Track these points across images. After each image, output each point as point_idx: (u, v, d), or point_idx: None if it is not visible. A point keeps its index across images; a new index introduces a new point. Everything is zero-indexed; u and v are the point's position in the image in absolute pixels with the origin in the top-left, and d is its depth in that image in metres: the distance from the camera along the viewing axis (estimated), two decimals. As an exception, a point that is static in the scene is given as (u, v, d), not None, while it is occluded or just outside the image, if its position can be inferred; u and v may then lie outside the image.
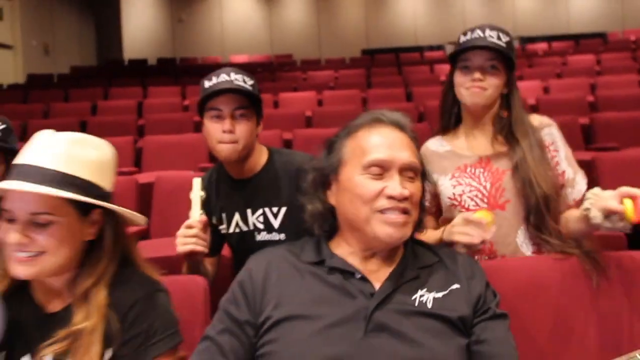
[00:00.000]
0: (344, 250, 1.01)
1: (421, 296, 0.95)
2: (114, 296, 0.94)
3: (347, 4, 11.21)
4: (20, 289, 0.96)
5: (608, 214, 1.13)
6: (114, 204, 0.97)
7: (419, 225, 1.03)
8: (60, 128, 1.20)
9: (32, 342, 0.92)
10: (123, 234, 1.00)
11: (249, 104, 1.39)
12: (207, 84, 1.40)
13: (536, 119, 1.45)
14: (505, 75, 1.40)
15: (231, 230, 1.47)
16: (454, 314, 0.94)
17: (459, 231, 1.18)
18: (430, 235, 1.27)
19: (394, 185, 0.95)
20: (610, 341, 1.15)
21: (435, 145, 1.48)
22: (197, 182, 1.33)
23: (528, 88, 4.83)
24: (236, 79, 1.37)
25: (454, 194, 1.41)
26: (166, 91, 5.93)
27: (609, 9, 10.65)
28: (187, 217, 1.30)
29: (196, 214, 1.30)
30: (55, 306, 0.96)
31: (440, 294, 0.96)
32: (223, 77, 1.38)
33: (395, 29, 11.21)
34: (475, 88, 1.37)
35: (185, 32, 10.97)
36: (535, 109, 3.97)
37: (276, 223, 1.45)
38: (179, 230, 1.28)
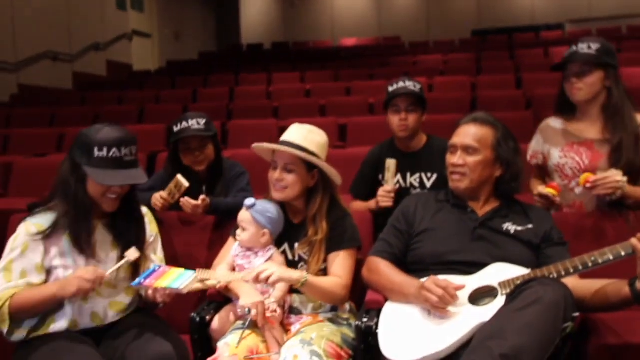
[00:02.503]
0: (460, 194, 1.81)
1: (508, 226, 1.72)
2: (328, 219, 1.81)
3: (458, -19, 11.41)
4: (282, 210, 1.86)
5: None
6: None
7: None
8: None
9: (287, 238, 1.84)
10: (330, 185, 1.87)
11: (417, 101, 2.34)
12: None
13: (639, 116, 2.05)
14: (601, 74, 2.02)
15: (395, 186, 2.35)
16: (526, 239, 1.69)
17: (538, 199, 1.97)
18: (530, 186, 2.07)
19: (454, 158, 1.74)
20: None
21: (554, 122, 2.19)
22: (393, 163, 2.26)
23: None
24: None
25: (559, 163, 2.12)
26: (288, 77, 6.93)
27: None
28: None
29: (392, 184, 2.24)
30: (296, 220, 1.87)
31: (520, 228, 1.72)
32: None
33: (510, 5, 11.18)
34: (574, 90, 2.07)
35: (297, 17, 12.04)
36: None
37: (428, 184, 2.37)
38: (380, 192, 2.26)
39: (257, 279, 1.58)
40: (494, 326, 1.34)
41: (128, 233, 1.68)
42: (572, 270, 1.47)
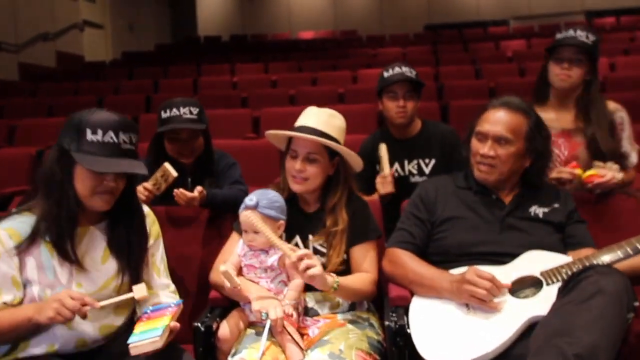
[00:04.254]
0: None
1: (535, 210, 1.56)
2: (347, 209, 1.58)
3: (409, -22, 11.40)
4: (292, 198, 1.63)
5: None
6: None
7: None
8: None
9: (299, 229, 1.59)
10: (350, 173, 1.64)
11: (414, 87, 2.14)
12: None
13: (611, 104, 1.97)
14: (588, 66, 1.93)
15: (391, 170, 2.14)
16: (556, 220, 1.54)
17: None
18: None
19: (484, 148, 1.53)
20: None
21: None
22: (384, 147, 2.06)
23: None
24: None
25: None
26: (251, 68, 6.60)
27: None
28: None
29: (387, 169, 2.04)
30: (311, 209, 1.63)
31: (547, 209, 1.57)
32: None
33: (457, 3, 11.31)
34: (563, 75, 1.92)
35: (254, 9, 11.62)
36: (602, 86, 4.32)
37: (427, 170, 2.19)
38: (378, 179, 2.07)
39: (299, 260, 1.32)
40: (557, 322, 1.16)
41: (126, 240, 1.36)
42: (622, 256, 1.33)
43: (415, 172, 2.21)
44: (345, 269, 1.55)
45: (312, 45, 8.85)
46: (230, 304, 1.56)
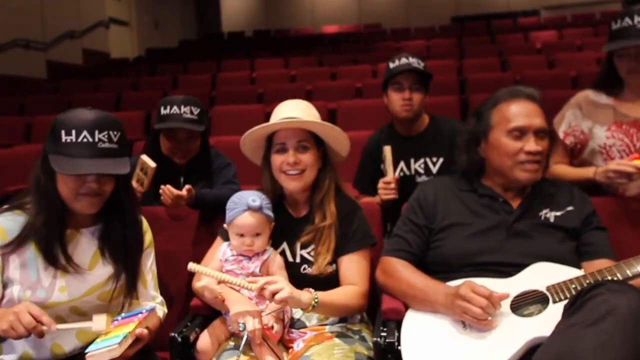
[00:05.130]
0: (490, 184, 1.47)
1: (546, 213, 1.40)
2: (336, 204, 1.45)
3: (436, -32, 11.11)
4: (277, 202, 1.51)
5: None
6: None
7: (544, 169, 1.47)
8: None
9: (286, 235, 1.47)
10: (334, 166, 1.51)
11: (421, 80, 1.97)
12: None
13: None
14: None
15: (395, 174, 1.99)
16: (570, 226, 1.38)
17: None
18: (570, 171, 1.69)
19: (531, 144, 1.36)
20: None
21: (595, 96, 1.78)
22: (388, 149, 1.88)
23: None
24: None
25: (605, 144, 1.73)
26: (271, 63, 6.52)
27: None
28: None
29: (391, 173, 1.88)
30: (299, 213, 1.50)
31: (559, 213, 1.40)
32: None
33: (487, -7, 10.95)
34: (633, 64, 1.64)
35: (277, 4, 11.54)
36: None
37: (434, 169, 2.01)
38: (380, 184, 1.90)
39: (260, 292, 1.22)
40: (558, 347, 1.01)
41: (122, 242, 1.30)
42: (640, 270, 1.16)
43: (422, 171, 2.04)
44: (334, 276, 1.43)
45: (334, 39, 8.71)
46: (212, 312, 1.46)
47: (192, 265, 1.27)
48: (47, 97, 5.34)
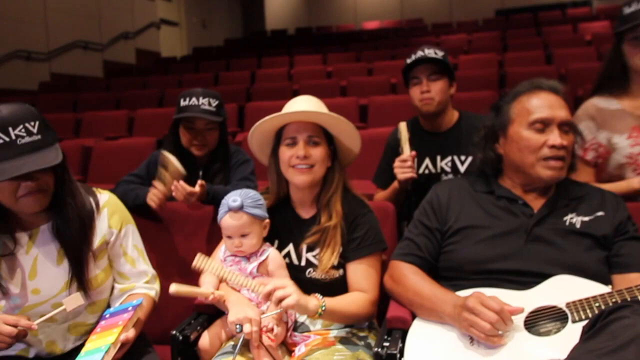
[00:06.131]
0: (508, 184, 1.32)
1: (571, 218, 1.24)
2: (343, 205, 1.36)
3: (481, -39, 10.64)
4: (284, 202, 1.43)
5: None
6: None
7: (571, 168, 1.30)
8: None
9: (293, 236, 1.39)
10: (343, 166, 1.41)
11: (440, 69, 1.81)
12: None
13: None
14: None
15: (420, 172, 1.86)
16: (599, 233, 1.21)
17: None
18: (608, 187, 1.43)
19: (555, 137, 1.21)
20: None
21: (603, 103, 1.62)
22: (403, 126, 1.73)
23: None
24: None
25: (631, 154, 1.56)
26: (310, 59, 6.45)
27: None
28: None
29: (407, 150, 1.72)
30: (306, 214, 1.41)
31: (587, 218, 1.23)
32: None
33: (535, -16, 10.35)
34: None
35: (320, 2, 11.44)
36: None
37: (462, 169, 1.85)
38: (395, 163, 1.73)
39: (267, 297, 1.14)
40: (573, 375, 0.87)
41: (68, 239, 1.20)
42: (677, 291, 0.99)
43: (448, 169, 1.88)
44: (342, 281, 1.33)
45: (374, 35, 8.52)
46: (216, 311, 1.41)
47: (198, 260, 1.22)
48: (98, 94, 5.51)
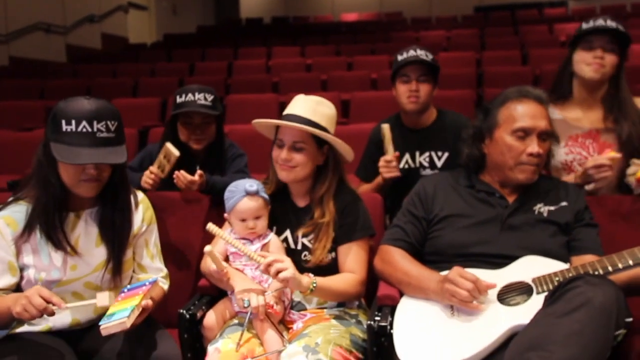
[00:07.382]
0: (488, 179, 1.56)
1: (540, 208, 1.48)
2: (336, 200, 1.57)
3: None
4: (282, 191, 1.63)
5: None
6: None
7: (545, 166, 1.55)
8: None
9: (290, 223, 1.59)
10: (340, 163, 1.62)
11: (429, 71, 2.03)
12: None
13: (638, 102, 1.83)
14: (619, 58, 1.80)
15: (400, 166, 2.08)
16: (562, 220, 1.46)
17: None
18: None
19: (533, 146, 1.44)
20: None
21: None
22: (387, 127, 1.96)
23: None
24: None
25: (565, 161, 1.84)
26: (288, 51, 6.61)
27: None
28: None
29: (391, 151, 1.95)
30: (302, 203, 1.61)
31: (553, 207, 1.48)
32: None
33: (513, -18, 10.79)
34: (595, 65, 1.79)
35: (297, -9, 11.58)
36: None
37: (439, 164, 2.09)
38: (380, 163, 1.97)
39: (267, 268, 1.33)
40: (534, 334, 1.11)
41: (111, 225, 1.42)
42: (620, 266, 1.24)
43: (426, 164, 2.12)
44: (333, 264, 1.54)
45: (353, 27, 8.74)
46: (218, 292, 1.59)
47: (210, 226, 1.40)
48: (66, 81, 5.52)
